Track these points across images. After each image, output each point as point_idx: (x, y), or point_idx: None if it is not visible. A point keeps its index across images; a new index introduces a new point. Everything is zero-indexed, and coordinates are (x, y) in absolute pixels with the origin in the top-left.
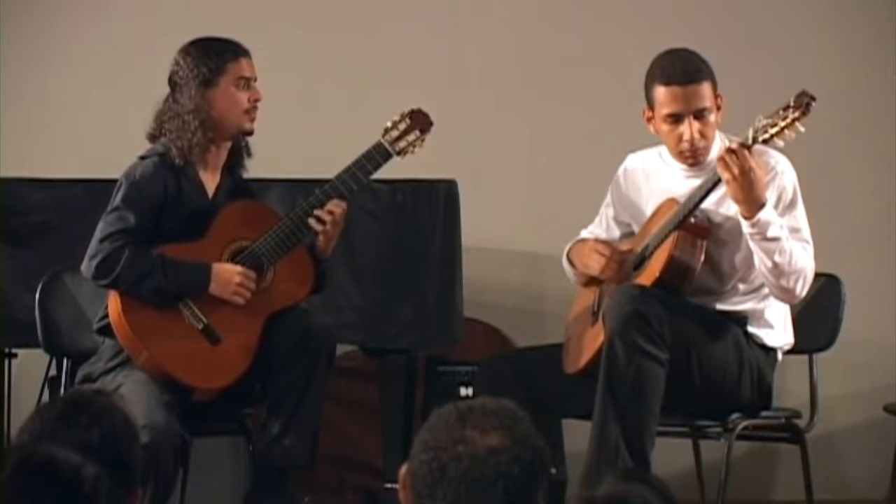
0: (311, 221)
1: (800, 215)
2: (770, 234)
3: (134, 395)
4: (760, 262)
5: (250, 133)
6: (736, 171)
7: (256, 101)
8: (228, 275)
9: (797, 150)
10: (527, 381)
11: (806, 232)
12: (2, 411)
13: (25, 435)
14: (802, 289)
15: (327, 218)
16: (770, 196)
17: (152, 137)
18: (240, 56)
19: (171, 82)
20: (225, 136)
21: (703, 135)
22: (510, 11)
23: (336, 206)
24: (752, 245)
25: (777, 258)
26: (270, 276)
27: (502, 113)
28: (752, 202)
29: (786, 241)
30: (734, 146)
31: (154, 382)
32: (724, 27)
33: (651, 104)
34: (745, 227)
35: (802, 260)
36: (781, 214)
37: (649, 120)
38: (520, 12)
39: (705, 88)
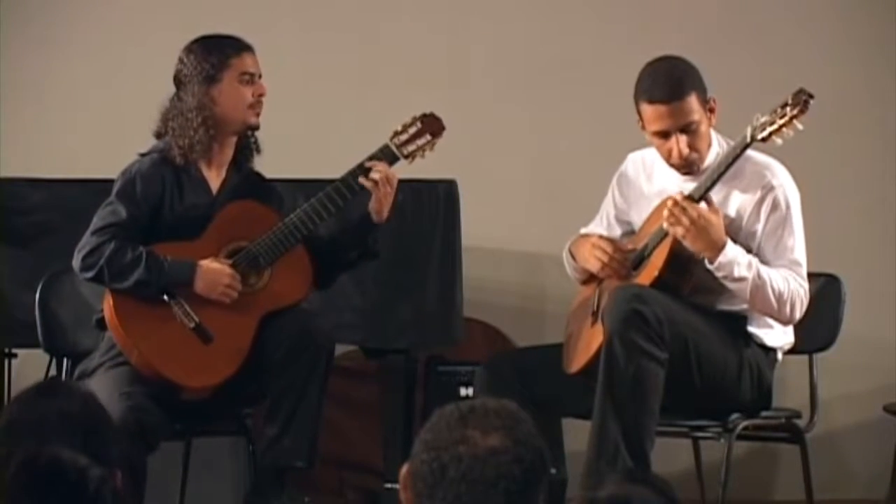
0: (362, 179)
1: (790, 234)
2: (737, 274)
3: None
4: (739, 297)
5: (256, 128)
6: (686, 222)
7: (261, 95)
8: (217, 276)
9: (797, 149)
10: (528, 380)
11: (797, 252)
12: (2, 411)
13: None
14: (792, 313)
15: (376, 176)
16: (762, 212)
17: (158, 135)
18: (242, 51)
19: (177, 81)
20: (229, 133)
21: (693, 147)
22: (511, 10)
23: (380, 170)
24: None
25: (749, 295)
26: (267, 276)
27: (503, 113)
28: (711, 247)
29: (758, 278)
30: (677, 198)
31: (121, 374)
32: (725, 25)
33: (640, 118)
34: (713, 270)
35: (783, 288)
36: (772, 231)
37: (643, 128)
38: (520, 11)
39: (690, 102)
